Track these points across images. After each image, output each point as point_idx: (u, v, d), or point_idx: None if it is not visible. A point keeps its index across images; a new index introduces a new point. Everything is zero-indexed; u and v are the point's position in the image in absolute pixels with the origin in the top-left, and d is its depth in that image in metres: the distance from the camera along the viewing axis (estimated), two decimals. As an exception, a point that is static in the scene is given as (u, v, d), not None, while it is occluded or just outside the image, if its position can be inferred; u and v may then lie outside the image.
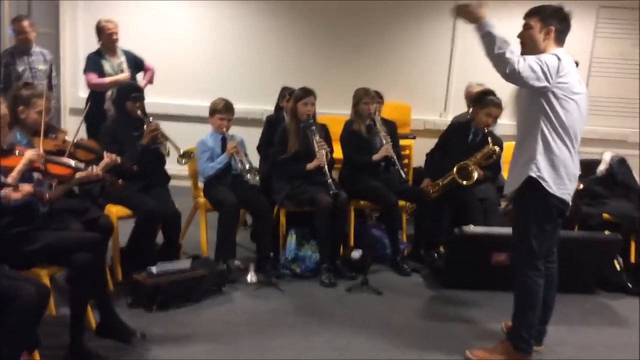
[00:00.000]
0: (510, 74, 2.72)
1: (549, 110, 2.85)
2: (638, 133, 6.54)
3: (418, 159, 5.51)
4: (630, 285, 4.19)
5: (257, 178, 4.24)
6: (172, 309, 3.57)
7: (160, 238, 4.08)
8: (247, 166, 4.18)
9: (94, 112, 5.10)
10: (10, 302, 2.34)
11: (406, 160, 5.78)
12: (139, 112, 3.99)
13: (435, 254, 4.47)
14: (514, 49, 2.76)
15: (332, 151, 4.51)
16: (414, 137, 6.20)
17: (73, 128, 5.12)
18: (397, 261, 4.45)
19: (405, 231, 4.92)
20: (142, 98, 4.08)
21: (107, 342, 3.09)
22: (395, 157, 4.50)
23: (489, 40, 2.74)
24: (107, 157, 3.43)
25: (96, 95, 5.17)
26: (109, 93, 5.05)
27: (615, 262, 4.13)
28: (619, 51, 6.59)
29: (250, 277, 4.05)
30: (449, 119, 6.05)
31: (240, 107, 6.27)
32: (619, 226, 4.38)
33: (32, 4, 5.86)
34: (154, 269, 3.60)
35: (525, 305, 3.03)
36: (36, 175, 2.93)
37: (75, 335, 2.89)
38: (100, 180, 3.26)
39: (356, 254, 4.39)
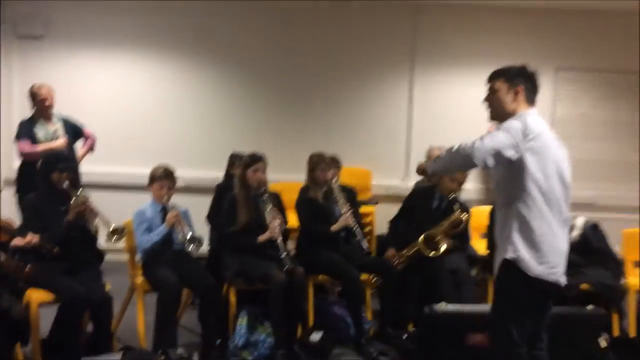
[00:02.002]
0: (470, 155, 2.54)
1: (523, 181, 2.58)
2: (604, 195, 6.38)
3: (381, 226, 5.17)
4: (618, 363, 3.82)
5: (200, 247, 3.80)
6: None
7: (90, 326, 3.57)
8: (189, 235, 3.75)
9: (26, 182, 4.70)
10: None
11: (369, 228, 5.43)
12: (66, 184, 3.55)
13: (405, 335, 4.04)
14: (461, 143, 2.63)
15: (286, 222, 4.12)
16: (376, 203, 5.89)
17: (8, 200, 4.66)
18: (361, 344, 4.00)
19: (370, 307, 4.48)
20: (70, 168, 3.66)
21: None
22: (356, 226, 4.15)
23: (436, 162, 2.80)
24: (20, 240, 2.98)
25: (29, 164, 4.74)
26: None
27: (601, 338, 3.77)
28: (579, 112, 6.54)
29: (194, 368, 3.54)
30: (411, 183, 5.79)
31: (190, 174, 5.94)
32: (597, 297, 4.06)
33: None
34: (76, 365, 3.09)
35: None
36: None
37: None
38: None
39: (316, 336, 3.93)
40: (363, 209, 5.16)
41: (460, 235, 4.33)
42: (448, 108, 6.39)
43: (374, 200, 5.96)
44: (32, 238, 3.06)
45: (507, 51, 5.60)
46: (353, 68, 6.39)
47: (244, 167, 4.07)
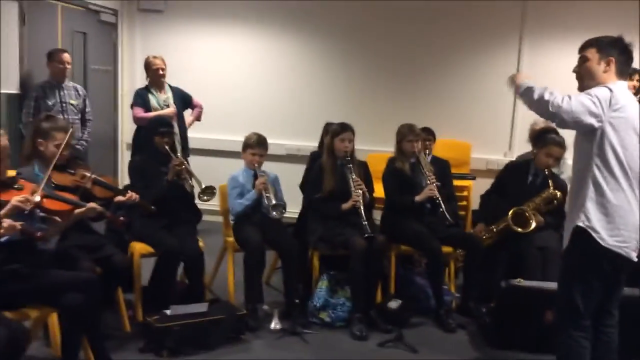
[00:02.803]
0: (555, 113, 2.49)
1: (602, 149, 2.52)
2: None
3: (478, 201, 5.08)
4: None
5: (283, 214, 3.98)
6: (183, 356, 3.33)
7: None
8: (273, 202, 3.93)
9: (140, 146, 5.15)
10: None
11: (464, 202, 5.37)
12: (166, 147, 3.87)
13: (484, 309, 3.99)
14: (555, 92, 2.52)
15: (371, 191, 4.19)
16: (474, 178, 5.77)
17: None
18: (440, 315, 4.02)
19: (455, 281, 4.48)
20: (170, 133, 3.97)
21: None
22: (440, 198, 4.11)
23: (526, 92, 2.60)
24: (124, 196, 3.32)
25: (142, 129, 5.18)
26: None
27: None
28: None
29: (274, 324, 3.76)
30: (513, 158, 5.59)
31: (287, 143, 6.18)
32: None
33: (89, 42, 6.01)
34: (168, 311, 3.41)
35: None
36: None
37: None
38: (100, 216, 3.12)
39: (394, 304, 4.00)
40: (458, 183, 5.10)
41: (554, 213, 4.17)
42: (557, 81, 5.97)
43: (471, 175, 5.85)
44: (131, 195, 3.38)
45: (624, 20, 5.18)
46: (458, 38, 6.18)
47: (332, 136, 4.18)
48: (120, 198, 3.35)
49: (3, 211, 2.58)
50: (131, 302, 3.72)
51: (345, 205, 4.02)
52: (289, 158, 6.12)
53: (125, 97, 6.58)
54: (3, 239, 2.56)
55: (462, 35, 6.18)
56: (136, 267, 3.70)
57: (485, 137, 6.19)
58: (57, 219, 2.86)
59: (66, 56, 4.99)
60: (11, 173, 2.94)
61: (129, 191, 3.44)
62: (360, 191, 4.00)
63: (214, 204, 4.28)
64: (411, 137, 4.26)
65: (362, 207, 3.96)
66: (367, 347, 3.63)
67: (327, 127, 4.92)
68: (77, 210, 2.95)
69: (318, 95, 6.42)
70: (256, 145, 4.13)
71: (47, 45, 5.17)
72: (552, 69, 6.05)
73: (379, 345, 3.63)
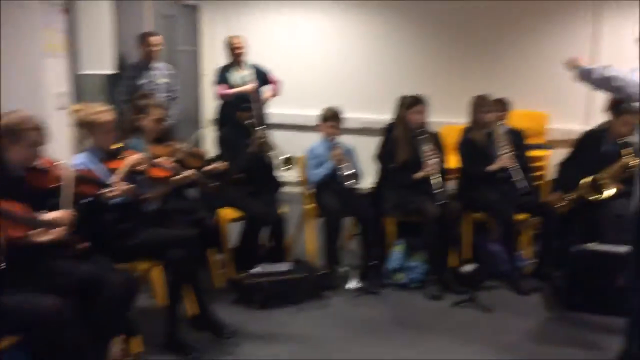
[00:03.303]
0: (619, 87, 2.64)
1: None
2: None
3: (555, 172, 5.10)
4: None
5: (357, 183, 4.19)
6: (272, 309, 3.65)
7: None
8: (348, 172, 4.15)
9: (223, 121, 5.49)
10: (100, 291, 2.54)
11: (540, 172, 5.39)
12: (248, 121, 4.16)
13: (558, 274, 4.07)
14: (615, 68, 2.68)
15: (443, 160, 4.33)
16: (551, 148, 5.75)
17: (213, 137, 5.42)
18: (514, 279, 4.14)
19: (530, 248, 4.56)
20: (252, 108, 4.25)
21: (202, 335, 3.25)
22: (514, 168, 4.20)
23: (587, 74, 2.79)
24: (215, 165, 3.63)
25: (224, 105, 5.54)
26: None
27: None
28: None
29: (352, 284, 4.01)
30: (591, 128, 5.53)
31: (366, 116, 6.35)
32: None
33: (175, 25, 6.39)
34: (256, 270, 3.72)
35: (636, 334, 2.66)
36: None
37: (170, 326, 3.07)
38: (197, 183, 3.44)
39: (468, 267, 4.15)
40: (534, 153, 5.13)
41: (630, 181, 4.16)
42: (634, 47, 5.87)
43: (548, 145, 5.83)
44: (220, 165, 3.69)
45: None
46: (533, 5, 6.10)
47: (405, 108, 4.34)
48: (210, 167, 3.65)
49: (122, 168, 2.93)
50: (220, 262, 4.06)
51: (418, 174, 4.18)
52: (364, 131, 6.28)
53: (207, 76, 6.95)
54: (116, 201, 2.90)
55: (536, 2, 6.12)
56: (225, 231, 4.04)
57: (563, 107, 6.13)
58: (160, 184, 3.21)
59: (156, 38, 5.36)
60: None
61: (217, 161, 3.74)
62: (432, 161, 4.15)
63: (293, 175, 4.55)
64: (486, 108, 4.35)
65: (434, 176, 4.12)
66: (441, 307, 3.82)
67: (402, 100, 5.07)
68: (176, 177, 3.29)
69: (392, 69, 6.54)
70: (332, 119, 4.35)
71: (139, 28, 5.56)
72: (629, 34, 5.92)
73: (453, 305, 3.81)
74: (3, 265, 2.11)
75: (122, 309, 2.67)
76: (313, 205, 4.38)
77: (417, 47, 6.49)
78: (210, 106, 6.98)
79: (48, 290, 2.32)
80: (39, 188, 2.59)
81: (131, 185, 2.91)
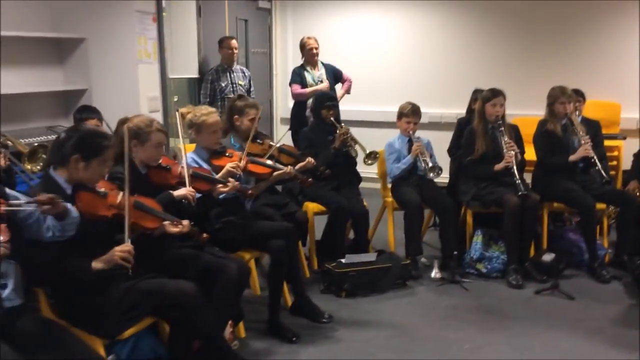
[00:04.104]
0: None
1: None
2: None
3: (629, 161, 5.10)
4: None
5: (439, 175, 4.32)
6: (359, 297, 3.85)
7: (351, 234, 4.41)
8: (430, 165, 4.29)
9: (297, 119, 5.73)
10: (217, 278, 2.79)
11: (614, 162, 5.39)
12: (332, 118, 4.36)
13: (638, 262, 4.11)
14: None
15: (522, 152, 4.42)
16: (624, 138, 5.73)
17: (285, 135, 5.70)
18: (594, 267, 4.20)
19: (608, 236, 4.61)
20: (335, 106, 4.45)
21: (299, 321, 3.46)
22: (595, 157, 4.24)
23: None
24: (304, 161, 3.83)
25: (298, 104, 5.76)
26: (309, 102, 5.61)
27: None
28: None
29: (434, 273, 4.17)
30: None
31: (435, 111, 6.47)
32: None
33: (249, 28, 6.67)
34: (343, 260, 3.93)
35: None
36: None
37: (272, 312, 3.31)
38: (294, 178, 3.65)
39: (548, 257, 4.22)
40: (609, 143, 5.13)
41: None
42: None
43: (621, 135, 5.81)
44: (310, 161, 3.89)
45: None
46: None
47: (483, 101, 4.43)
48: (301, 164, 3.86)
49: (220, 174, 3.18)
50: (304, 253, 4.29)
51: (498, 166, 4.28)
52: (432, 125, 6.40)
53: (279, 76, 7.22)
54: (222, 196, 3.15)
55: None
56: (310, 224, 4.25)
57: (635, 97, 6.07)
58: (261, 180, 3.46)
59: (234, 42, 5.65)
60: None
61: (308, 157, 3.94)
62: (512, 152, 4.25)
63: (368, 170, 4.72)
64: (563, 99, 4.39)
65: (514, 167, 4.22)
66: (523, 295, 3.92)
67: (476, 93, 5.15)
68: (275, 173, 3.53)
69: (464, 63, 6.62)
70: (411, 114, 4.49)
71: (218, 33, 5.87)
72: None
73: (535, 292, 3.91)
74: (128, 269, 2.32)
75: (236, 294, 2.92)
76: (392, 198, 4.55)
77: (490, 41, 6.52)
78: (281, 106, 7.26)
79: (175, 276, 2.58)
80: (161, 184, 2.87)
81: (237, 182, 3.16)
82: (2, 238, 1.83)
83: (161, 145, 2.86)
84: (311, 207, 4.31)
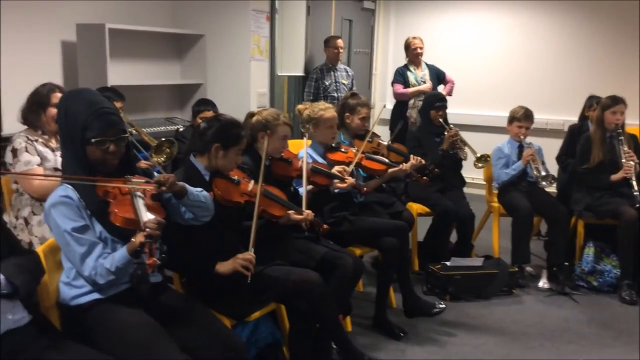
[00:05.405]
0: None
1: None
2: None
3: None
4: None
5: (551, 184, 4.19)
6: (463, 302, 3.79)
7: (453, 237, 4.35)
8: (543, 173, 4.17)
9: (395, 118, 5.73)
10: (334, 270, 2.83)
11: None
12: (440, 119, 4.32)
13: None
14: None
15: (640, 163, 4.21)
16: None
17: (381, 135, 5.75)
18: None
19: None
20: (444, 107, 4.40)
21: (405, 320, 3.47)
22: None
23: None
24: (414, 160, 3.81)
25: (400, 104, 5.75)
26: (411, 102, 5.60)
27: None
28: None
29: (542, 283, 4.05)
30: None
31: (540, 117, 6.24)
32: None
33: (353, 28, 6.73)
34: (448, 263, 3.89)
35: None
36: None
37: (379, 308, 3.32)
38: (407, 176, 3.65)
39: (665, 274, 4.01)
40: None
41: None
42: None
43: None
44: (419, 160, 3.86)
45: None
46: None
47: (602, 108, 4.24)
48: (415, 162, 3.84)
49: (348, 168, 3.23)
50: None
51: (616, 176, 4.10)
52: (538, 132, 6.18)
53: (378, 76, 7.24)
54: (336, 191, 3.20)
55: None
56: (414, 224, 4.23)
57: None
58: (376, 177, 3.49)
59: (340, 42, 5.71)
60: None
61: (416, 157, 3.92)
62: (632, 162, 4.06)
63: (470, 175, 4.62)
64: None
65: (633, 178, 4.02)
66: (638, 312, 3.74)
67: (591, 100, 4.95)
68: (390, 170, 3.54)
69: (568, 69, 6.43)
70: (523, 119, 4.37)
71: (324, 33, 5.96)
72: None
73: (652, 309, 3.73)
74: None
75: (350, 287, 2.96)
76: (498, 203, 4.45)
77: (602, 44, 6.28)
78: (379, 107, 7.26)
79: (296, 265, 2.65)
80: (283, 176, 2.95)
81: (353, 179, 3.20)
82: (159, 217, 1.93)
83: (286, 138, 2.94)
84: (415, 207, 4.29)
